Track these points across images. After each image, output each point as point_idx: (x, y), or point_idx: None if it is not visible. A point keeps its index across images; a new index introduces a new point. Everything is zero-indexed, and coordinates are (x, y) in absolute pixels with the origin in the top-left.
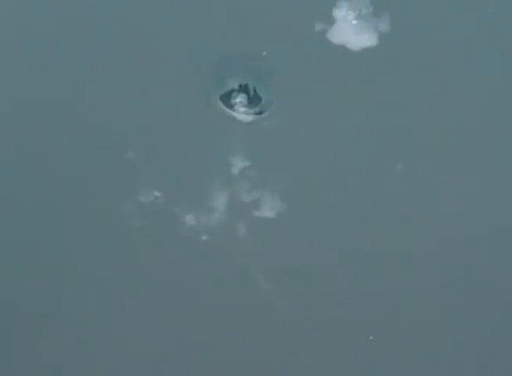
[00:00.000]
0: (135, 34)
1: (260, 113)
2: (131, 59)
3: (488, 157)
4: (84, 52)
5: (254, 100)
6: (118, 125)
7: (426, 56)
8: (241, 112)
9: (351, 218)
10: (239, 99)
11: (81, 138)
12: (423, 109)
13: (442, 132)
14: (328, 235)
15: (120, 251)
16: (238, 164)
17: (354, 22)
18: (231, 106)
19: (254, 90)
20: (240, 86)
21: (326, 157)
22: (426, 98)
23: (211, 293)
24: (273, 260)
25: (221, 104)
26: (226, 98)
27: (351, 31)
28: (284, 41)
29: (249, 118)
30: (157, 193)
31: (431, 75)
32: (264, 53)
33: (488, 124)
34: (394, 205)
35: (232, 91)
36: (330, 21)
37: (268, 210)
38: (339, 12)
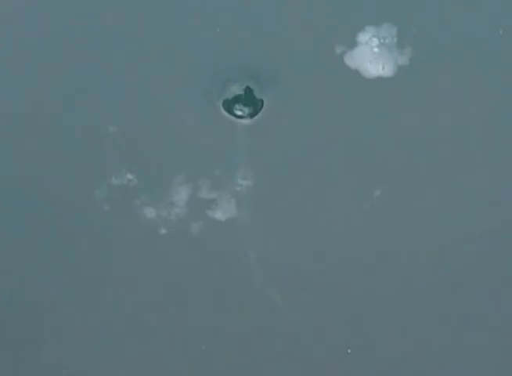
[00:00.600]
0: (135, 36)
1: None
2: (132, 60)
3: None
4: (83, 54)
5: (255, 106)
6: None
7: (437, 99)
8: (240, 116)
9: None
10: (241, 106)
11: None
12: (419, 154)
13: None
14: (294, 235)
15: (86, 233)
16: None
17: (375, 49)
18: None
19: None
20: (245, 91)
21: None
22: (423, 143)
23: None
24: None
25: (222, 109)
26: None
27: (369, 58)
28: (299, 56)
29: (246, 122)
30: (130, 176)
31: (437, 121)
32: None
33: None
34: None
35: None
36: (352, 44)
37: (226, 211)
38: (363, 37)
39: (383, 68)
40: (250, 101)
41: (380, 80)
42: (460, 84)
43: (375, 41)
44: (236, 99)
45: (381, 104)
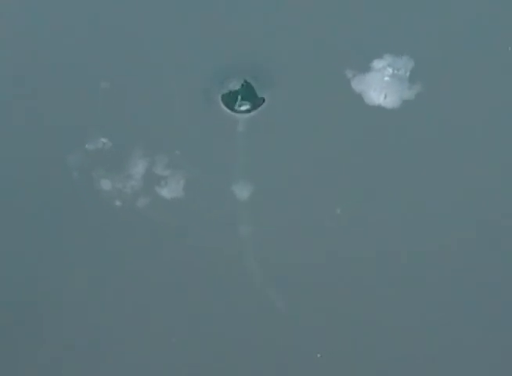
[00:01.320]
0: (135, 34)
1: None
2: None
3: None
4: (84, 53)
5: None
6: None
7: (433, 143)
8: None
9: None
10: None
11: None
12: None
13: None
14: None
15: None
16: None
17: (386, 78)
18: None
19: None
20: (242, 86)
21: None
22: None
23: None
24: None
25: (221, 103)
26: (228, 98)
27: (377, 86)
28: (308, 72)
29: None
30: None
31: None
32: None
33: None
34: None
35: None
36: (364, 69)
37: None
38: (377, 64)
39: (385, 98)
40: (250, 96)
41: (378, 109)
42: (459, 134)
43: (389, 70)
44: (236, 94)
45: (371, 132)
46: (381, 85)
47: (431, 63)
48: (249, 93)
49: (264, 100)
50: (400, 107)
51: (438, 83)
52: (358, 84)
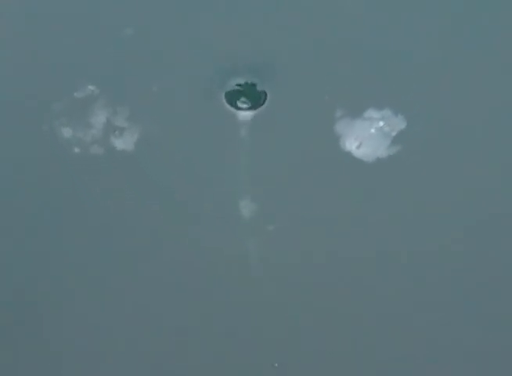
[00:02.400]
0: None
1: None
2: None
3: None
4: (86, 52)
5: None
6: None
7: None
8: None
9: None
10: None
11: None
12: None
13: None
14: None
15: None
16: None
17: (372, 130)
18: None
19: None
20: (246, 83)
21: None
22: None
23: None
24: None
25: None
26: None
27: (363, 135)
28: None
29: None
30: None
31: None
32: None
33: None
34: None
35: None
36: (357, 113)
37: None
38: (372, 113)
39: (357, 147)
40: (252, 94)
41: (345, 155)
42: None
43: (380, 123)
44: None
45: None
46: (367, 138)
47: (421, 132)
48: (252, 91)
49: (266, 98)
50: (365, 162)
51: (418, 154)
52: (342, 125)
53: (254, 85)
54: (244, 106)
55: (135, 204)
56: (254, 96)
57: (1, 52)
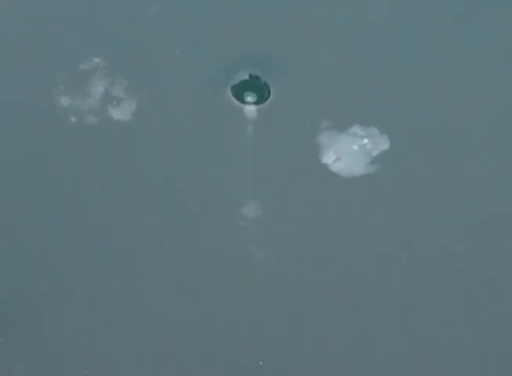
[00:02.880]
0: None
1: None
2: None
3: None
4: (90, 48)
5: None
6: None
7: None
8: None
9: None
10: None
11: None
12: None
13: None
14: None
15: None
16: None
17: (354, 146)
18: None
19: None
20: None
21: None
22: None
23: None
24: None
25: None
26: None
27: (338, 147)
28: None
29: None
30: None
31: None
32: None
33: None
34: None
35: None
36: (343, 128)
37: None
38: (359, 130)
39: (334, 161)
40: (258, 88)
41: (320, 167)
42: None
43: (364, 141)
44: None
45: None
46: (343, 149)
47: (401, 156)
48: (257, 85)
49: (270, 92)
50: (340, 178)
51: (394, 176)
52: (326, 136)
53: (258, 79)
54: (250, 100)
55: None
56: (260, 91)
57: (13, 19)
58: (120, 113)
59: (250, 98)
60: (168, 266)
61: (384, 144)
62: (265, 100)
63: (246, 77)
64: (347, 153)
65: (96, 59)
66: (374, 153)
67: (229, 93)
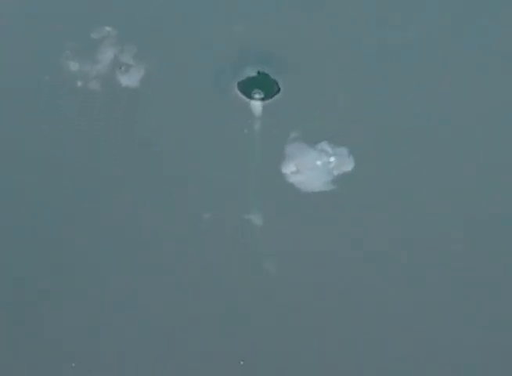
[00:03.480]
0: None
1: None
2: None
3: None
4: (101, 17)
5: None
6: None
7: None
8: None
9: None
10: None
11: None
12: None
13: None
14: None
15: None
16: None
17: (318, 162)
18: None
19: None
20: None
21: None
22: None
23: None
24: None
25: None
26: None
27: (301, 159)
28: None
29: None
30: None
31: None
32: None
33: None
34: None
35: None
36: (314, 142)
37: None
38: (327, 148)
39: (293, 172)
40: (265, 84)
41: (277, 175)
42: None
43: (330, 159)
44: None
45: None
46: (305, 163)
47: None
48: (265, 80)
49: (279, 88)
50: (297, 190)
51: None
52: (294, 147)
53: (266, 75)
54: (257, 96)
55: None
56: (267, 86)
57: None
58: (128, 79)
59: (257, 95)
60: (170, 265)
61: (348, 165)
62: (273, 96)
63: (254, 72)
64: (309, 167)
65: (107, 28)
66: (336, 174)
67: (236, 89)
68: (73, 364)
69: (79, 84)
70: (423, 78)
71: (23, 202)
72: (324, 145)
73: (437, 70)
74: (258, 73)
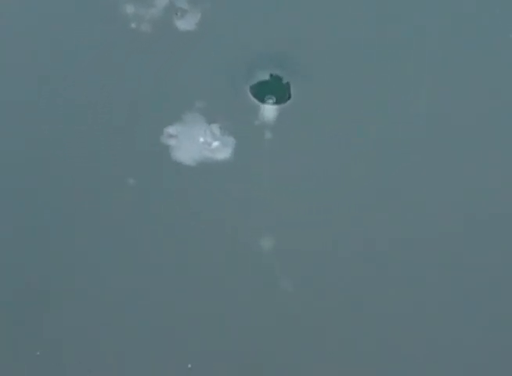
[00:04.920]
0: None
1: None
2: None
3: None
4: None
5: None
6: None
7: None
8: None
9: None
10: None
11: None
12: None
13: None
14: None
15: None
16: None
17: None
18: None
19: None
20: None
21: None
22: None
23: None
24: None
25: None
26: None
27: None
28: None
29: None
30: None
31: None
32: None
33: None
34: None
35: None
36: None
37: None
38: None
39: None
40: (278, 88)
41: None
42: None
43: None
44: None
45: None
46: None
47: None
48: (277, 85)
49: (290, 94)
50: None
51: None
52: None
53: (279, 79)
54: (269, 101)
55: None
56: (280, 91)
57: None
58: (184, 23)
59: (269, 99)
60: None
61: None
62: (286, 101)
63: (267, 76)
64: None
65: None
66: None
67: (248, 93)
68: (73, 363)
69: (133, 26)
70: (426, 79)
71: (25, 200)
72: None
73: (437, 71)
74: (271, 76)
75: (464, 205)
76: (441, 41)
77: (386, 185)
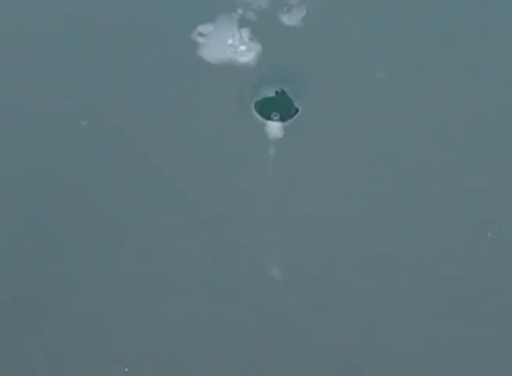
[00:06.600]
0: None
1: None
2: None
3: None
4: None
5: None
6: None
7: None
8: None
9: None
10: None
11: None
12: None
13: None
14: None
15: None
16: None
17: None
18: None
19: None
20: (277, 93)
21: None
22: None
23: None
24: None
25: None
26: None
27: None
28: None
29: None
30: None
31: None
32: None
33: None
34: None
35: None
36: None
37: None
38: None
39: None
40: (283, 105)
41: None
42: None
43: None
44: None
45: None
46: None
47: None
48: (283, 101)
49: (297, 110)
50: None
51: None
52: None
53: (284, 94)
54: (274, 118)
55: None
56: (285, 108)
57: None
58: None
59: (274, 117)
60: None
61: None
62: (291, 117)
63: (272, 93)
64: None
65: None
66: None
67: (253, 109)
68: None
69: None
70: (431, 94)
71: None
72: None
73: (438, 72)
74: (276, 93)
75: (464, 206)
76: (442, 51)
77: (393, 200)
